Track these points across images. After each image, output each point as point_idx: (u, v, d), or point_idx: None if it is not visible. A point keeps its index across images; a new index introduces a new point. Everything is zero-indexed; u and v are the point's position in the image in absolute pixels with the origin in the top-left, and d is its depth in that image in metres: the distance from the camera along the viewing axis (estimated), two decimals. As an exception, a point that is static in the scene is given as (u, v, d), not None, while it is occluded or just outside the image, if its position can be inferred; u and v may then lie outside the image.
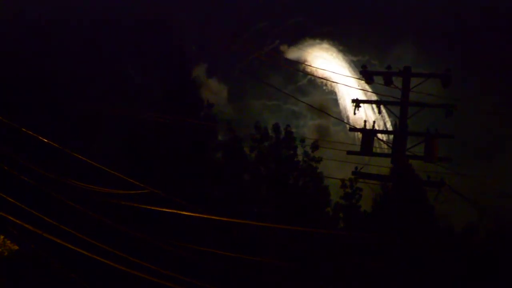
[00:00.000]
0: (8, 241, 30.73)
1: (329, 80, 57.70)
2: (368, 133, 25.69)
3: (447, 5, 57.52)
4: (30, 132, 26.36)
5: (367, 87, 29.78)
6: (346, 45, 59.47)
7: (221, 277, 30.98)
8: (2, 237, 30.69)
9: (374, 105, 27.12)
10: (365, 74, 26.33)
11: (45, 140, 26.57)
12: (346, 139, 43.09)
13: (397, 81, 26.10)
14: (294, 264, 29.91)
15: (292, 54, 58.38)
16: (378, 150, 27.32)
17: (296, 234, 30.99)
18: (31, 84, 49.03)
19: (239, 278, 31.41)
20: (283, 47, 58.94)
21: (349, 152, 27.83)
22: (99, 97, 48.91)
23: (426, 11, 58.93)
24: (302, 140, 42.26)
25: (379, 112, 27.05)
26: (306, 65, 55.86)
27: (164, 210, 25.39)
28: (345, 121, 53.14)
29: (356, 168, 27.19)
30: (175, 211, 25.13)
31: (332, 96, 58.34)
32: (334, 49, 60.15)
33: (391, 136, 26.45)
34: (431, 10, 58.66)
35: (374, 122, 26.57)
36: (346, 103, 56.39)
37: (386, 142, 26.73)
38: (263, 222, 28.96)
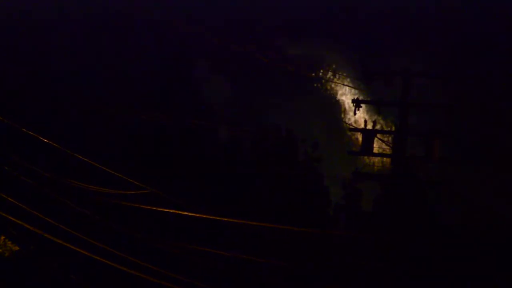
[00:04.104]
0: (9, 242, 30.77)
1: (329, 79, 57.69)
2: (369, 133, 25.72)
3: (448, 5, 57.53)
4: (30, 132, 26.39)
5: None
6: (347, 43, 59.45)
7: (221, 277, 30.98)
8: (2, 237, 30.73)
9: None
10: (365, 73, 26.34)
11: (45, 140, 26.61)
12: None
13: (398, 81, 26.10)
14: (294, 264, 29.92)
15: (293, 52, 58.36)
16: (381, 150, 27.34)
17: (296, 234, 31.00)
18: (31, 84, 49.04)
19: (239, 278, 31.42)
20: (283, 46, 58.92)
21: (350, 152, 27.88)
22: (99, 96, 48.90)
23: (427, 10, 58.95)
24: (303, 140, 42.30)
25: (379, 112, 27.06)
26: (307, 63, 55.80)
27: (164, 210, 25.43)
28: (347, 120, 53.16)
29: (357, 168, 27.20)
30: (175, 211, 25.16)
31: (334, 95, 58.32)
32: (335, 47, 60.10)
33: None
34: (431, 9, 58.66)
35: (374, 122, 26.59)
36: (346, 103, 56.38)
37: (386, 142, 26.74)
38: (263, 222, 28.97)
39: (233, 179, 41.32)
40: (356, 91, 38.07)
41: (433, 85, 27.08)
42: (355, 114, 26.30)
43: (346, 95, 55.06)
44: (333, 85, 56.82)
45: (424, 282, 29.80)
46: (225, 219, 26.16)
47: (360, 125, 26.99)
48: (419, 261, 29.24)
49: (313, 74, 55.78)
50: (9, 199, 24.35)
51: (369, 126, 26.31)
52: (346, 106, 54.22)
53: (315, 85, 56.35)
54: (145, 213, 28.83)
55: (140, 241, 27.63)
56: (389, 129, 27.35)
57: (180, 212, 24.86)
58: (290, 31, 58.30)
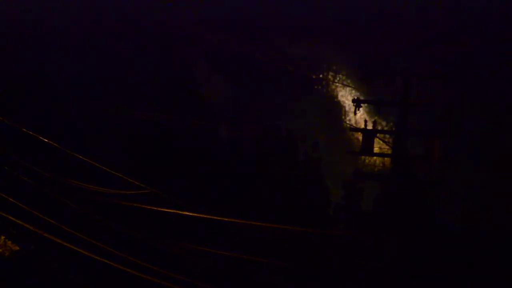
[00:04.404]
0: (9, 242, 30.79)
1: (330, 79, 57.73)
2: (369, 133, 25.74)
3: (447, 4, 57.57)
4: (30, 132, 26.42)
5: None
6: (347, 43, 59.43)
7: (221, 277, 31.00)
8: (3, 237, 30.76)
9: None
10: (365, 73, 26.36)
11: (45, 140, 26.64)
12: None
13: (398, 81, 26.12)
14: (294, 264, 29.92)
15: (293, 52, 58.35)
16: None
17: (296, 234, 31.02)
18: (31, 84, 49.06)
19: (239, 278, 31.44)
20: (283, 46, 58.90)
21: (350, 152, 27.89)
22: (99, 96, 48.94)
23: (427, 9, 58.95)
24: (303, 140, 42.32)
25: (380, 112, 27.08)
26: (307, 64, 55.77)
27: (164, 210, 25.44)
28: (347, 120, 53.15)
29: (357, 168, 27.24)
30: (175, 211, 25.17)
31: (334, 95, 58.32)
32: (335, 47, 60.08)
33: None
34: (431, 8, 58.69)
35: (374, 122, 26.60)
36: (347, 103, 56.36)
37: (386, 142, 26.74)
38: (263, 222, 28.98)
39: (233, 179, 41.34)
40: (356, 91, 38.07)
41: (433, 85, 27.10)
42: (355, 114, 26.33)
43: (346, 95, 55.12)
44: (333, 85, 56.85)
45: (424, 282, 29.80)
46: (225, 219, 26.17)
47: (360, 125, 27.01)
48: (419, 261, 29.25)
49: (313, 74, 55.80)
50: (9, 199, 24.37)
51: (369, 126, 26.34)
52: (346, 106, 54.29)
53: (315, 85, 56.41)
54: (145, 213, 28.86)
55: (140, 241, 27.64)
56: (389, 129, 27.37)
57: (180, 212, 24.87)
58: (290, 31, 58.34)
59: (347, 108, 54.00)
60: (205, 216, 25.88)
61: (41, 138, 26.67)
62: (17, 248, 30.58)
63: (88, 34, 57.52)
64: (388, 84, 26.11)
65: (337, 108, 55.37)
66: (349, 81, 49.18)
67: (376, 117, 26.86)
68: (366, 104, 26.93)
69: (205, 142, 44.55)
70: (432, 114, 26.65)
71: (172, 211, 24.79)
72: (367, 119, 27.31)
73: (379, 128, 26.40)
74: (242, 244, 31.95)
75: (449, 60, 48.01)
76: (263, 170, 41.55)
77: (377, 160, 32.90)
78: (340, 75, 51.64)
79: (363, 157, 30.01)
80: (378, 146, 26.25)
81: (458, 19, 55.80)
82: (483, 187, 38.44)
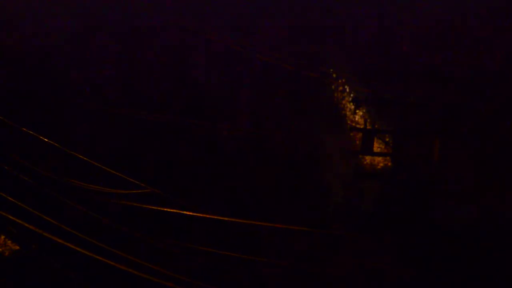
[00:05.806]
0: (9, 241, 30.82)
1: (329, 78, 57.74)
2: (369, 133, 25.77)
3: (448, 2, 57.58)
4: (30, 132, 26.48)
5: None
6: (348, 43, 59.41)
7: (221, 277, 31.02)
8: (3, 237, 30.77)
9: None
10: (366, 73, 26.43)
11: (46, 140, 26.70)
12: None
13: (398, 81, 26.20)
14: (294, 264, 29.95)
15: (293, 51, 58.32)
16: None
17: (296, 234, 31.05)
18: (31, 83, 49.08)
19: (239, 278, 31.46)
20: (284, 45, 58.88)
21: (350, 152, 27.97)
22: (99, 96, 48.94)
23: (427, 8, 58.96)
24: (304, 139, 42.32)
25: (380, 111, 27.15)
26: (307, 63, 55.75)
27: (164, 210, 25.48)
28: (347, 120, 53.12)
29: (357, 168, 27.28)
30: (175, 210, 25.21)
31: (334, 94, 58.26)
32: (335, 47, 60.05)
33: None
34: (431, 7, 58.69)
35: (374, 121, 26.67)
36: (347, 102, 56.33)
37: (386, 142, 26.80)
38: (263, 222, 29.01)
39: (233, 178, 41.36)
40: (357, 91, 38.14)
41: (433, 85, 27.17)
42: (355, 113, 26.40)
43: (346, 94, 55.14)
44: (333, 85, 56.88)
45: (424, 282, 29.85)
46: (225, 219, 26.22)
47: (360, 124, 27.06)
48: (419, 261, 29.29)
49: (314, 74, 55.78)
50: (9, 198, 24.43)
51: (369, 126, 26.39)
52: (347, 105, 54.32)
53: (315, 85, 56.42)
54: (145, 213, 28.91)
55: (140, 241, 27.68)
56: (389, 128, 27.43)
57: (180, 211, 24.92)
58: (290, 30, 58.40)
59: (347, 108, 54.04)
60: (205, 215, 25.92)
61: (41, 137, 26.73)
62: (17, 247, 30.60)
63: (88, 33, 57.58)
64: (388, 84, 26.18)
65: (337, 107, 55.40)
66: (349, 80, 49.17)
67: (376, 117, 26.92)
68: (366, 104, 27.02)
69: (205, 142, 44.56)
70: (432, 114, 26.70)
71: (173, 210, 24.84)
72: (367, 118, 27.37)
73: (379, 127, 26.47)
74: (242, 244, 31.98)
75: (449, 60, 48.06)
76: (263, 170, 41.56)
77: (377, 159, 32.90)
78: (341, 74, 51.63)
79: (363, 156, 30.03)
80: (378, 146, 26.32)
81: (458, 19, 55.87)
82: (483, 187, 38.46)
